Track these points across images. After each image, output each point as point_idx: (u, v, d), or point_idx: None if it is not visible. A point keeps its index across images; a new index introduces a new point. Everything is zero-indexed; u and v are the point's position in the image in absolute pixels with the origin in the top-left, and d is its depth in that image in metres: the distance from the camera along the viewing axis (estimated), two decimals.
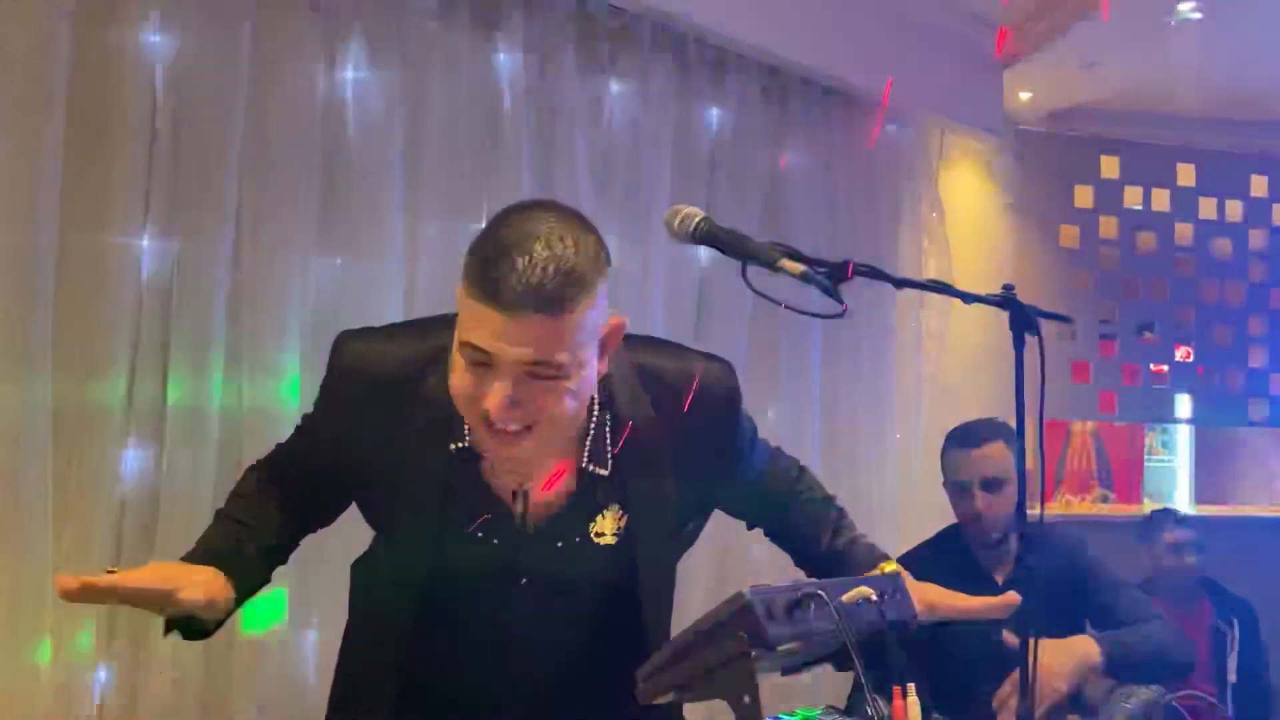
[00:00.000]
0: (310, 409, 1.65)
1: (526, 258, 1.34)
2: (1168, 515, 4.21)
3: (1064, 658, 2.39)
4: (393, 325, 1.67)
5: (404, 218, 2.89)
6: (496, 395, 1.35)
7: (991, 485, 2.73)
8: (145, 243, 2.52)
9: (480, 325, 1.35)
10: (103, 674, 2.44)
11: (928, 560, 2.87)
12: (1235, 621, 3.99)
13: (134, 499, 2.51)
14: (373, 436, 1.52)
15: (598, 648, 1.60)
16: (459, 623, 1.58)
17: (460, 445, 1.49)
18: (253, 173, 2.65)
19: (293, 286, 2.71)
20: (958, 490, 2.81)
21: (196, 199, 2.56)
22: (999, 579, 2.74)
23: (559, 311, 1.35)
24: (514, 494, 1.53)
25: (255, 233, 2.66)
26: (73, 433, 2.39)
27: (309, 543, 2.66)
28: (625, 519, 1.56)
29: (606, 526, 1.56)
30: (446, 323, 1.47)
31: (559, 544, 1.54)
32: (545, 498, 1.54)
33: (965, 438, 2.83)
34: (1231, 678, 3.92)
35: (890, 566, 1.71)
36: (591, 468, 1.53)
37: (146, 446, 2.53)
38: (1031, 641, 1.62)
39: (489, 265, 1.34)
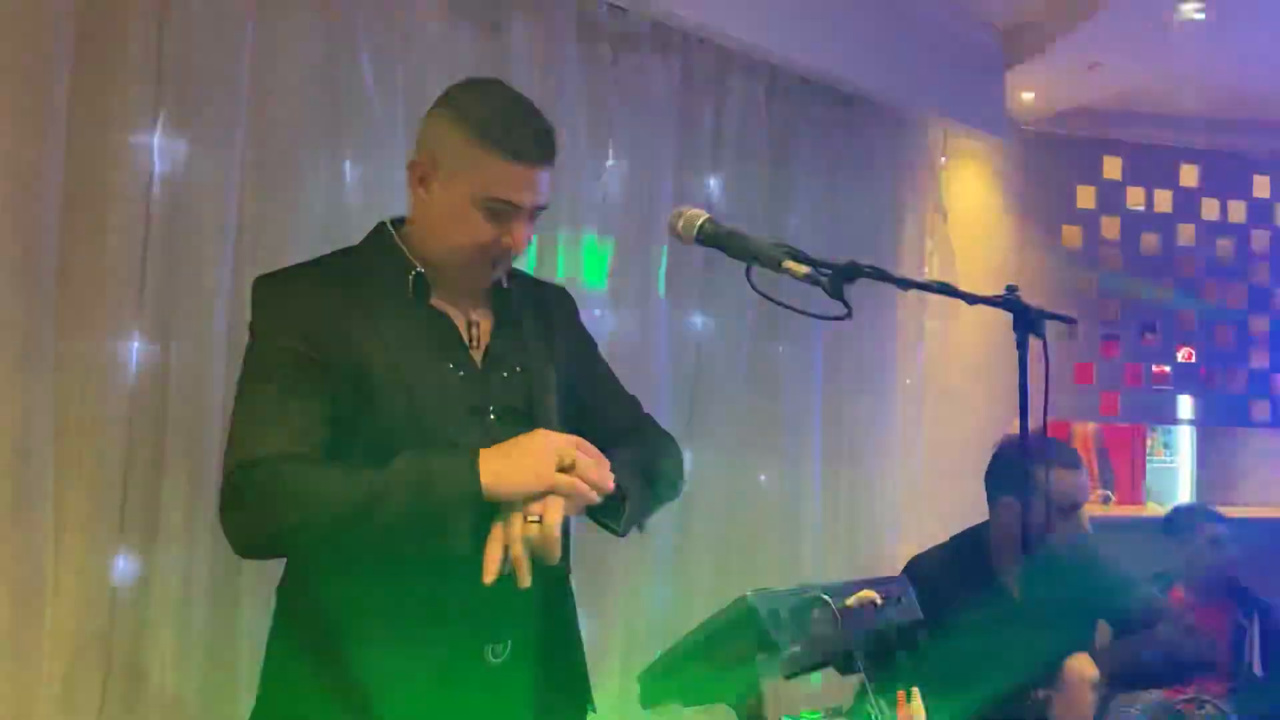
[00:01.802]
0: (257, 379, 1.66)
1: (534, 121, 1.69)
2: (1200, 510, 4.20)
3: (1075, 694, 2.42)
4: (294, 265, 1.79)
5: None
6: (521, 234, 1.69)
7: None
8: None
9: (504, 180, 1.65)
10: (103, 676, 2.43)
11: (945, 564, 2.86)
12: (1256, 617, 3.99)
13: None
14: (343, 329, 1.65)
15: None
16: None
17: (415, 272, 1.71)
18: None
19: None
20: (1069, 511, 2.68)
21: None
22: (1019, 587, 2.72)
23: (553, 162, 1.71)
24: (466, 325, 1.75)
25: (257, 237, 2.60)
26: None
27: None
28: (524, 354, 1.79)
29: (519, 359, 1.78)
30: (336, 254, 1.78)
31: (504, 374, 1.75)
32: (483, 329, 1.77)
33: (1071, 457, 2.74)
34: (1259, 671, 3.93)
35: None
36: (507, 308, 1.79)
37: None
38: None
39: (504, 129, 1.64)
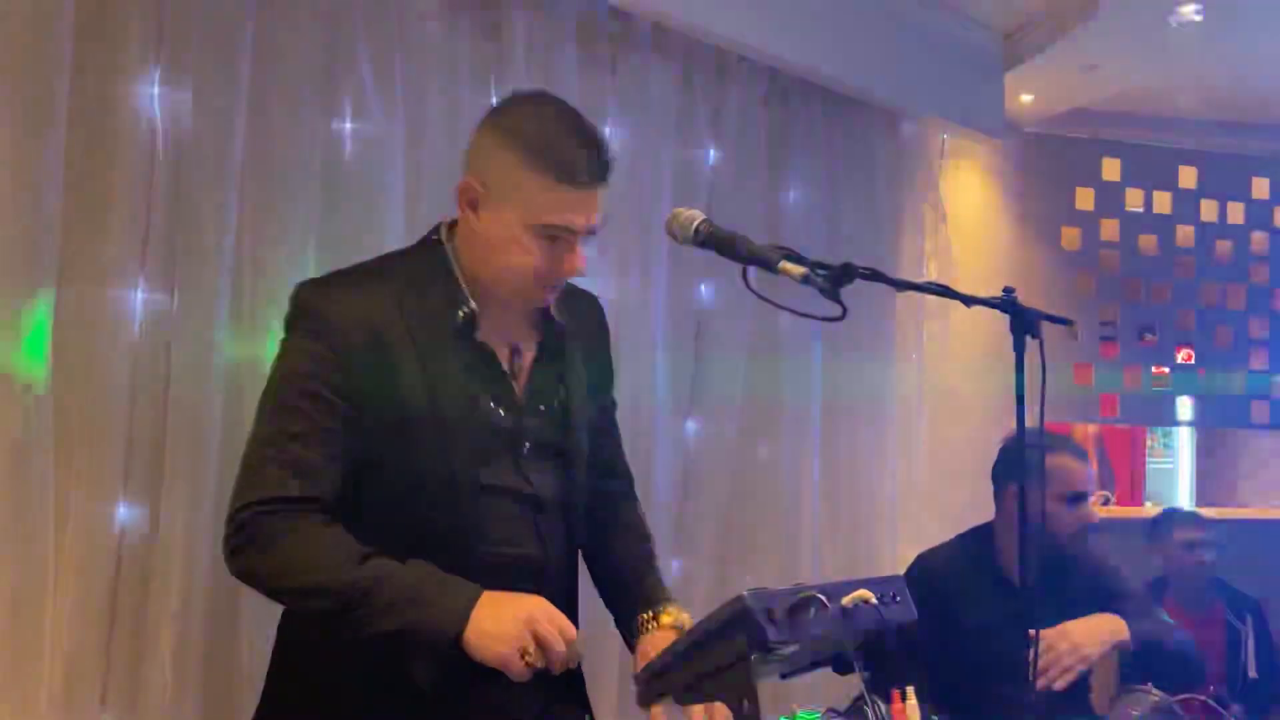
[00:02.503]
0: (289, 389, 1.62)
1: (587, 139, 1.62)
2: (1179, 514, 4.20)
3: (1094, 629, 2.40)
4: (338, 274, 1.74)
5: (406, 230, 2.88)
6: (577, 259, 1.65)
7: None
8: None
9: (559, 206, 1.60)
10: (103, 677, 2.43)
11: (951, 560, 2.87)
12: (1249, 618, 3.99)
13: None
14: (385, 361, 1.61)
15: (562, 504, 1.78)
16: (490, 498, 1.66)
17: (466, 310, 1.66)
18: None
19: (293, 286, 2.69)
20: (1075, 499, 2.69)
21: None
22: (1027, 583, 2.72)
23: (608, 180, 1.65)
24: (510, 355, 1.72)
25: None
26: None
27: None
28: (563, 388, 1.77)
29: (557, 395, 1.76)
30: (386, 256, 1.74)
31: (541, 407, 1.73)
32: (526, 361, 1.74)
33: (1075, 447, 2.76)
34: (1252, 674, 3.92)
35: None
36: (553, 337, 1.76)
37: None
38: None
39: (557, 151, 1.59)
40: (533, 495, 1.72)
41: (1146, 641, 2.49)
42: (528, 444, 1.71)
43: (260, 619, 2.54)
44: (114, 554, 2.42)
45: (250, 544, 1.54)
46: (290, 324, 1.66)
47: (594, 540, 1.89)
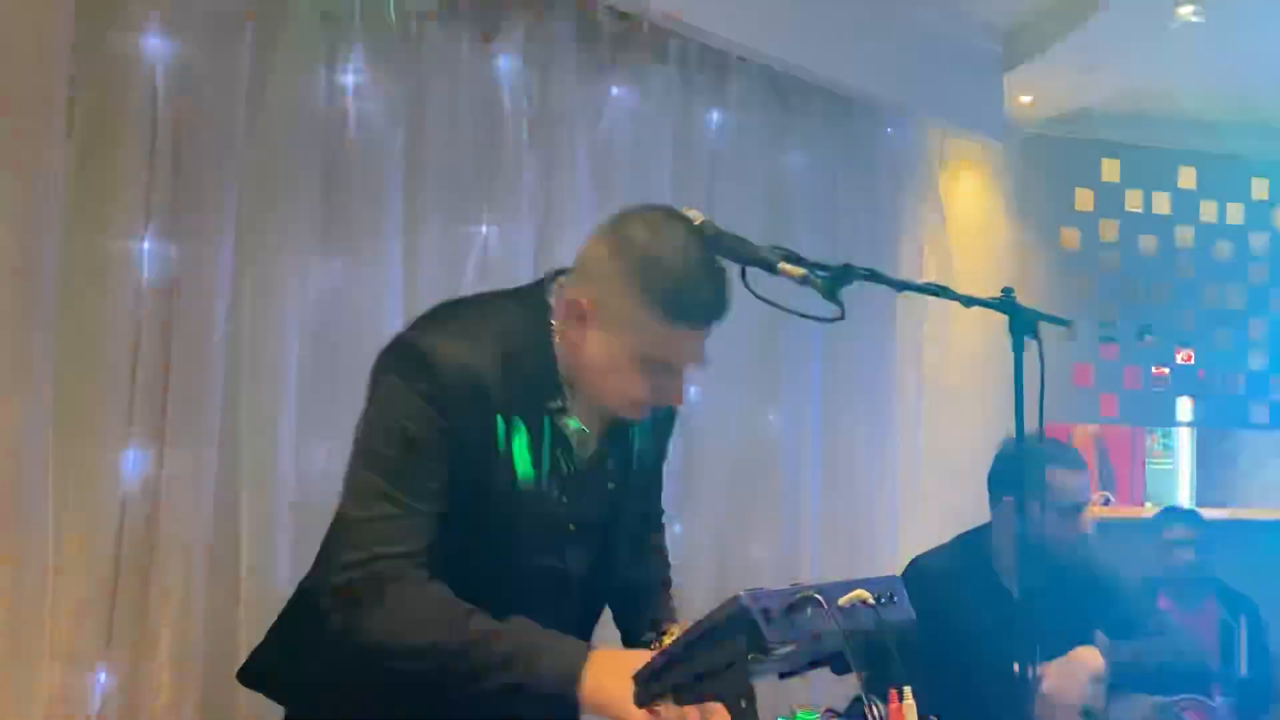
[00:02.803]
0: (392, 442, 1.57)
1: (711, 282, 1.58)
2: (1171, 513, 4.22)
3: (1072, 673, 2.41)
4: (458, 322, 1.68)
5: (404, 221, 2.90)
6: (680, 392, 1.66)
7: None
8: (146, 245, 2.51)
9: (671, 344, 1.59)
10: (103, 678, 2.44)
11: (945, 566, 2.87)
12: (1243, 618, 3.99)
13: (134, 502, 2.50)
14: (485, 424, 1.59)
15: (596, 582, 1.77)
16: (517, 572, 1.65)
17: (557, 404, 1.65)
18: (253, 176, 2.65)
19: (292, 289, 2.71)
20: (1071, 512, 2.70)
21: (197, 202, 2.56)
22: (1020, 590, 2.73)
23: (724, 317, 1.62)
24: (578, 431, 1.69)
25: (256, 235, 2.66)
26: (73, 436, 2.39)
27: (309, 539, 2.68)
28: (620, 475, 1.76)
29: (614, 480, 1.75)
30: (502, 306, 1.68)
31: (596, 486, 1.72)
32: (591, 444, 1.71)
33: (1073, 458, 2.75)
34: (1243, 672, 3.92)
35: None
36: (620, 423, 1.73)
37: (147, 449, 2.52)
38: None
39: (680, 292, 1.55)
40: (563, 570, 1.71)
41: (1122, 671, 2.51)
42: (573, 523, 1.70)
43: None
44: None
45: (359, 604, 1.51)
46: (397, 368, 1.60)
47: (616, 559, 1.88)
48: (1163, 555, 4.04)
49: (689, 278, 1.56)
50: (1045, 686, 2.39)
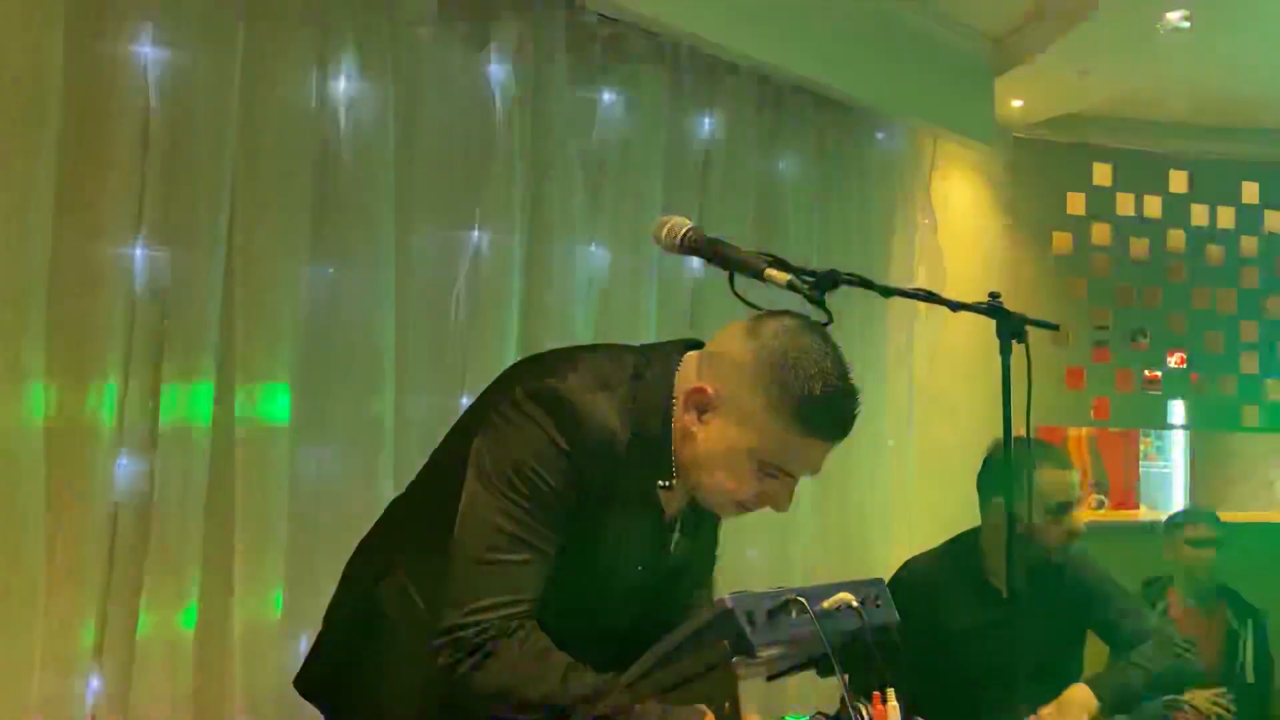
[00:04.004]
0: (511, 494, 1.54)
1: (847, 400, 1.56)
2: (1192, 512, 4.23)
3: (1070, 713, 2.45)
4: (599, 376, 1.63)
5: (396, 226, 2.91)
6: (788, 501, 1.61)
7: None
8: (138, 252, 2.52)
9: (797, 456, 1.56)
10: (95, 683, 2.44)
11: (937, 567, 2.88)
12: (1250, 624, 4.01)
13: (126, 510, 2.50)
14: (606, 480, 1.57)
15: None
16: (574, 624, 1.60)
17: (664, 485, 1.62)
18: (245, 182, 2.65)
19: (285, 295, 2.71)
20: (1059, 510, 2.72)
21: (189, 209, 2.56)
22: (1011, 593, 2.73)
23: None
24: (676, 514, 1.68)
25: (247, 242, 2.65)
26: (65, 444, 2.39)
27: (302, 547, 2.68)
28: (688, 555, 1.75)
29: (682, 558, 1.74)
30: (640, 370, 1.63)
31: (667, 568, 1.70)
32: (669, 522, 1.69)
33: (1059, 458, 2.78)
34: (1250, 678, 3.94)
35: None
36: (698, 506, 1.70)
37: (139, 458, 2.52)
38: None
39: (812, 407, 1.52)
40: (614, 630, 1.69)
41: (1115, 701, 2.54)
42: (635, 579, 1.68)
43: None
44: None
45: (477, 652, 1.48)
46: (539, 410, 1.55)
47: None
48: (1184, 554, 4.03)
49: (828, 391, 1.54)
50: None
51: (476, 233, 3.06)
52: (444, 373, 2.99)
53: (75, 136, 2.40)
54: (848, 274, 1.70)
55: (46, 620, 2.32)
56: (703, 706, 1.37)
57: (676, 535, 1.70)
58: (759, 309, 1.66)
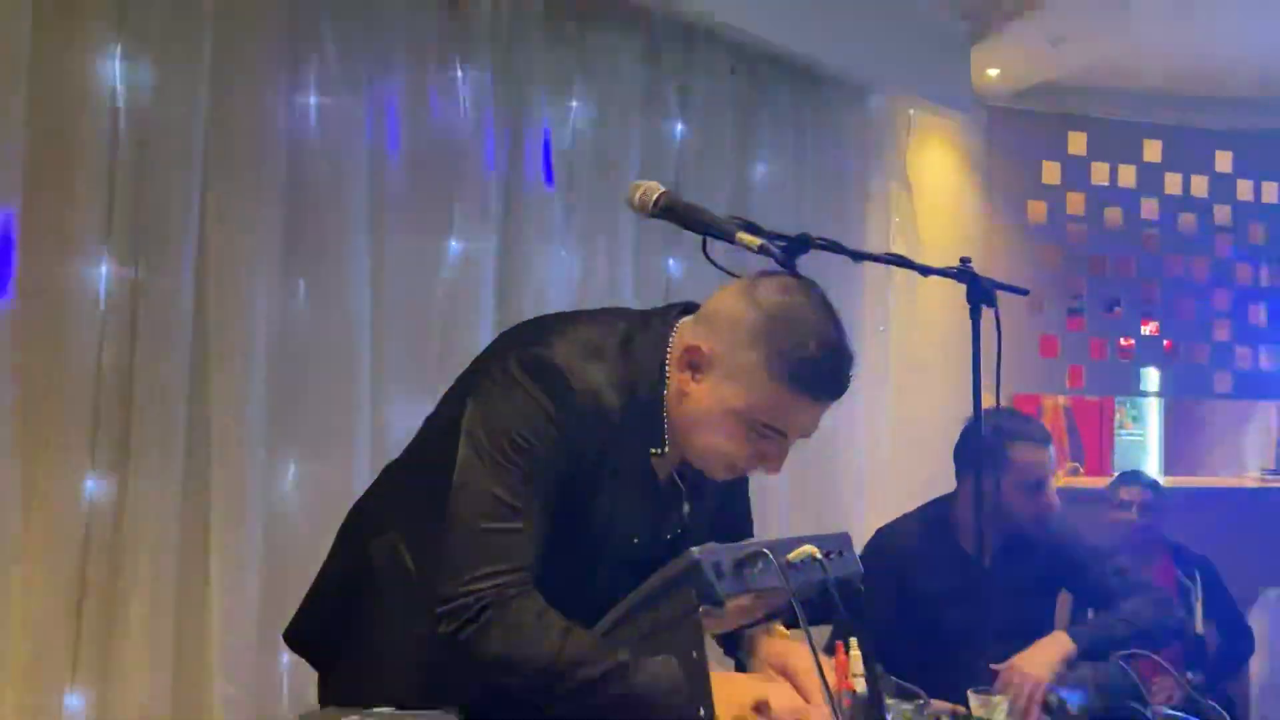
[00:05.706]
0: (504, 461, 1.53)
1: (842, 359, 1.56)
2: (1125, 476, 4.27)
3: (1043, 653, 2.46)
4: (591, 343, 1.62)
5: (370, 236, 2.89)
6: (780, 462, 1.62)
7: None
8: (104, 269, 2.47)
9: (791, 415, 1.56)
10: (71, 702, 2.44)
11: (913, 535, 2.90)
12: (1197, 575, 4.05)
13: (98, 527, 2.48)
14: (598, 447, 1.57)
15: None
16: (574, 588, 1.59)
17: (658, 451, 1.61)
18: (215, 195, 2.62)
19: (257, 308, 2.67)
20: (1034, 488, 2.71)
21: (158, 223, 2.53)
22: (985, 560, 2.76)
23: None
24: (670, 478, 1.67)
25: (218, 256, 2.63)
26: (36, 460, 2.38)
27: (277, 561, 2.67)
28: (689, 519, 1.72)
29: (683, 524, 1.71)
30: (632, 335, 1.62)
31: (667, 536, 1.69)
32: (663, 486, 1.68)
33: (1039, 433, 2.77)
34: (1199, 629, 3.98)
35: None
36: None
37: (110, 473, 2.49)
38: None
39: (809, 366, 1.52)
40: (616, 598, 1.64)
41: (1093, 646, 2.56)
42: (635, 539, 1.67)
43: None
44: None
45: (479, 620, 1.47)
46: (528, 378, 1.55)
47: None
48: (1117, 516, 4.08)
49: (824, 349, 1.53)
50: (1015, 661, 2.44)
51: (452, 240, 3.05)
52: (420, 383, 2.92)
53: (41, 151, 2.36)
54: (819, 238, 1.72)
55: (21, 639, 2.33)
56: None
57: (686, 506, 1.70)
58: (734, 275, 1.67)
